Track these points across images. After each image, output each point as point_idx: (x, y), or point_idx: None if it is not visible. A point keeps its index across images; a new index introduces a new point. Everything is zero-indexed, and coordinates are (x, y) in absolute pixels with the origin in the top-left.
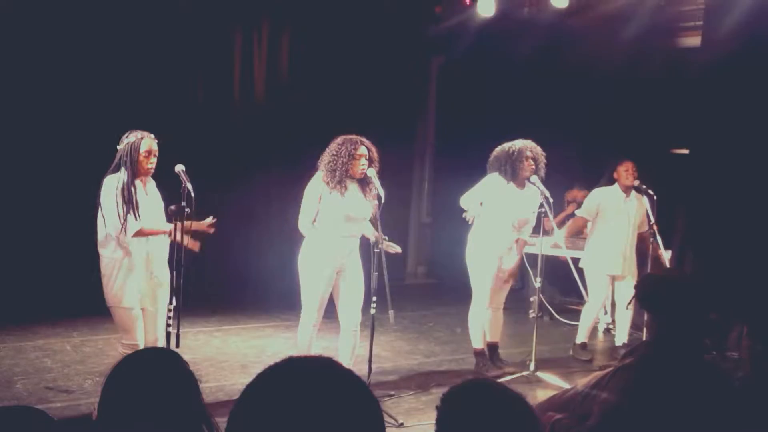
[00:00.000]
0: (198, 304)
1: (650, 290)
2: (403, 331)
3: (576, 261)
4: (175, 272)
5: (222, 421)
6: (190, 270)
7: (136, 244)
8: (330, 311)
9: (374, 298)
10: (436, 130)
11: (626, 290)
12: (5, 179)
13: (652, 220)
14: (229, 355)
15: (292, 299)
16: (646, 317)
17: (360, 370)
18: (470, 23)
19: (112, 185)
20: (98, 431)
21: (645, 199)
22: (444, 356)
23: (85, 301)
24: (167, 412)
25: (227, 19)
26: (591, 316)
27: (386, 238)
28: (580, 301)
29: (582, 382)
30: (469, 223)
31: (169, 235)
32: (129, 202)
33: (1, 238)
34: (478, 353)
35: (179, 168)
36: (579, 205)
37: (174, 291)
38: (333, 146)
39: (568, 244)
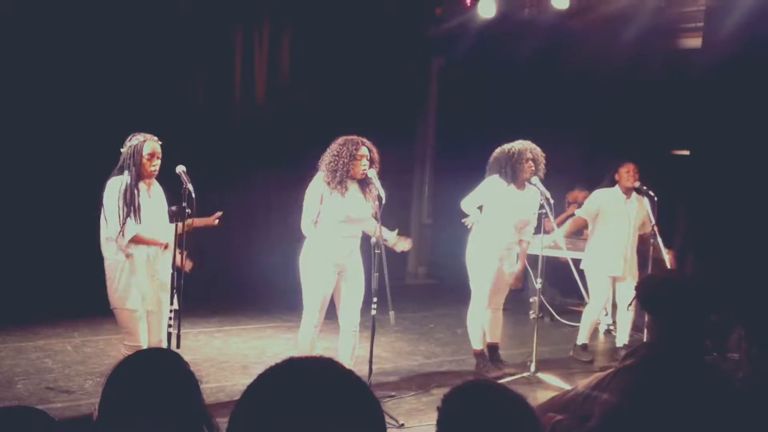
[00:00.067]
0: (199, 305)
1: (651, 291)
2: (403, 332)
3: (576, 262)
4: (175, 273)
5: (223, 422)
6: (190, 270)
7: (136, 246)
8: (330, 312)
9: (375, 299)
10: (436, 131)
11: (627, 291)
12: (6, 180)
13: (653, 221)
14: (229, 356)
15: (293, 300)
16: (646, 318)
17: (360, 370)
18: (471, 24)
19: (114, 188)
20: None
21: (646, 200)
22: (444, 357)
23: (86, 302)
24: (168, 413)
25: (228, 19)
26: (592, 317)
27: (385, 240)
28: (581, 302)
29: (583, 383)
30: (468, 227)
31: (165, 247)
32: (130, 205)
33: (3, 239)
34: (478, 354)
35: (180, 169)
36: (580, 206)
37: (174, 292)
38: (334, 146)
39: (568, 245)
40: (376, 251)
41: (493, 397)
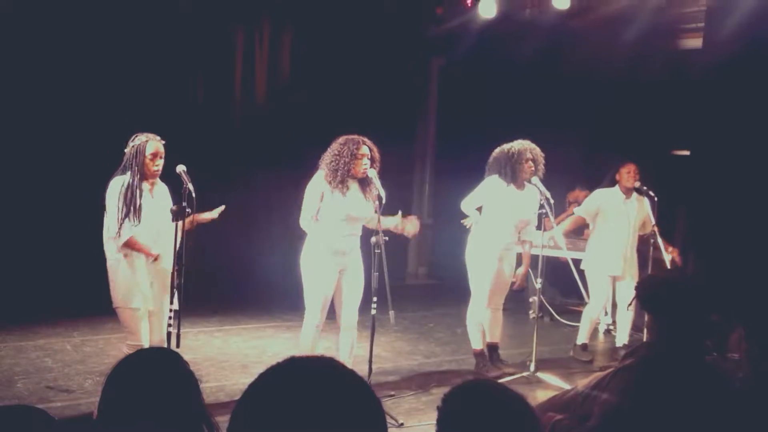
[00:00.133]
0: (199, 305)
1: (651, 291)
2: (403, 331)
3: (577, 262)
4: (176, 272)
5: (222, 421)
6: (191, 270)
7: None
8: (330, 311)
9: (375, 299)
10: (436, 131)
11: (627, 291)
12: (6, 180)
13: (653, 222)
14: (229, 356)
15: (294, 299)
16: (646, 318)
17: (360, 370)
18: (471, 24)
19: (115, 188)
20: (98, 431)
21: (646, 200)
22: (444, 357)
23: (85, 301)
24: (167, 412)
25: (228, 19)
26: (592, 317)
27: (386, 238)
28: (581, 302)
29: (582, 382)
30: (468, 227)
31: (155, 260)
32: (130, 205)
33: (3, 238)
34: (478, 354)
35: (180, 168)
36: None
37: (174, 292)
38: (335, 146)
39: (569, 245)
40: (376, 251)
41: (493, 396)
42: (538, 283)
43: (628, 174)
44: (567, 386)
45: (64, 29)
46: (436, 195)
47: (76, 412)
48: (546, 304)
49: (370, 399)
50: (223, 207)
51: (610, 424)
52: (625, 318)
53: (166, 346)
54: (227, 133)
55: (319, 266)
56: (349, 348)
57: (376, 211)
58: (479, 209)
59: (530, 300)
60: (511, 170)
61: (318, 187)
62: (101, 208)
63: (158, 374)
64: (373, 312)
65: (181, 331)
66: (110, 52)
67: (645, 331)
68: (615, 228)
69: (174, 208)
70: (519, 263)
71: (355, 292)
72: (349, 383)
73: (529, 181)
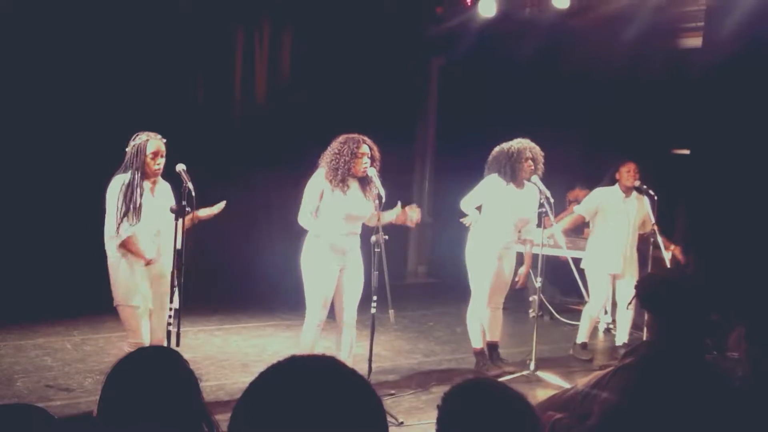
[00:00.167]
0: (199, 303)
1: (651, 290)
2: (403, 330)
3: (576, 261)
4: (176, 271)
5: (222, 420)
6: (191, 269)
7: (141, 242)
8: (329, 310)
9: (374, 297)
10: (436, 130)
11: (627, 290)
12: (7, 179)
13: (653, 221)
14: (229, 354)
15: (294, 298)
16: (646, 317)
17: (360, 369)
18: (471, 24)
19: (115, 186)
20: (98, 429)
21: (646, 199)
22: (444, 355)
23: (85, 300)
24: (167, 411)
25: (228, 19)
26: (591, 315)
27: (386, 237)
28: (581, 300)
29: (582, 381)
30: (468, 226)
31: (147, 264)
32: (130, 203)
33: (3, 237)
34: (478, 353)
35: (180, 167)
36: None
37: (174, 290)
38: (335, 144)
39: (568, 244)
40: (376, 250)
41: (493, 395)
42: (538, 282)
43: (628, 173)
44: (567, 385)
45: (65, 29)
46: (435, 194)
47: (75, 410)
48: (546, 303)
49: (371, 398)
50: (224, 203)
51: (610, 422)
52: (625, 317)
53: (165, 344)
54: (227, 132)
55: (319, 265)
56: (348, 347)
57: (376, 210)
58: (479, 208)
59: (530, 299)
60: (511, 169)
61: (318, 184)
62: (101, 208)
63: (158, 373)
64: (373, 311)
65: (181, 329)
66: (111, 52)
67: (645, 329)
68: (615, 227)
69: (173, 206)
70: (520, 262)
71: (355, 291)
72: (350, 382)
73: (530, 180)
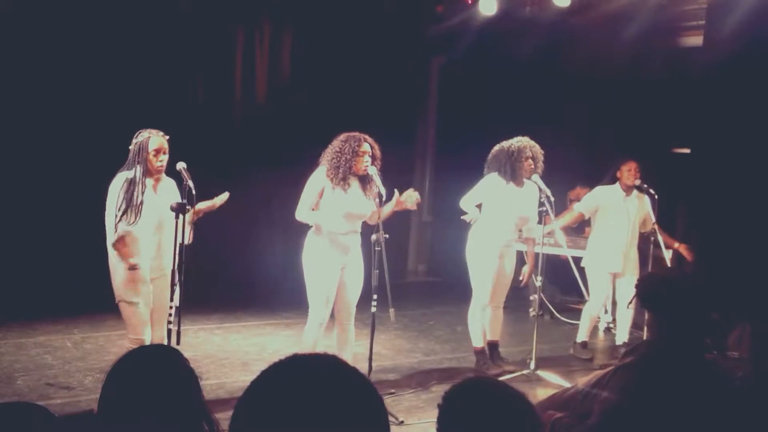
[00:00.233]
0: (199, 302)
1: (651, 289)
2: (403, 329)
3: (577, 260)
4: (176, 269)
5: (222, 418)
6: (191, 267)
7: (141, 240)
8: None
9: (375, 296)
10: (437, 129)
11: (627, 289)
12: (8, 178)
13: (654, 220)
14: (230, 353)
15: (294, 297)
16: (646, 316)
17: (360, 368)
18: (472, 22)
19: (116, 184)
20: (98, 427)
21: (646, 198)
22: (444, 354)
23: (86, 298)
24: (168, 409)
25: (228, 19)
26: (592, 314)
27: (387, 236)
28: (581, 299)
29: (582, 380)
30: (469, 222)
31: (131, 268)
32: (129, 200)
33: (3, 235)
34: (479, 352)
35: (180, 165)
36: None
37: (174, 288)
38: (336, 143)
39: (569, 243)
40: (377, 248)
41: (494, 394)
42: (538, 281)
43: (629, 172)
44: (567, 384)
45: (66, 29)
46: (436, 193)
47: (76, 409)
48: (546, 302)
49: (373, 396)
50: (227, 194)
51: (610, 422)
52: (625, 316)
53: (166, 343)
54: (227, 132)
55: (321, 264)
56: (347, 345)
57: (376, 209)
58: (479, 207)
59: (530, 298)
60: (511, 168)
61: (319, 182)
62: (102, 206)
63: (158, 371)
64: (373, 309)
65: (181, 328)
66: (111, 51)
67: (645, 329)
68: (615, 225)
69: (174, 205)
70: (521, 261)
71: (355, 289)
72: (352, 381)
73: (530, 179)
